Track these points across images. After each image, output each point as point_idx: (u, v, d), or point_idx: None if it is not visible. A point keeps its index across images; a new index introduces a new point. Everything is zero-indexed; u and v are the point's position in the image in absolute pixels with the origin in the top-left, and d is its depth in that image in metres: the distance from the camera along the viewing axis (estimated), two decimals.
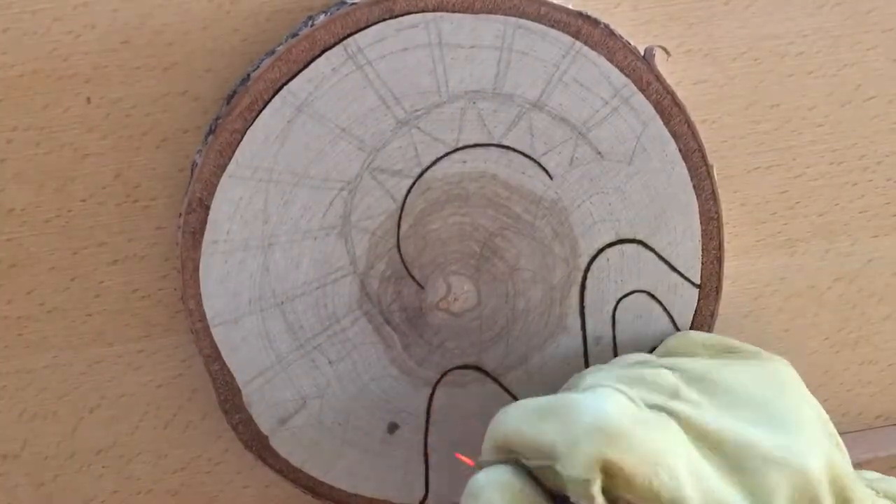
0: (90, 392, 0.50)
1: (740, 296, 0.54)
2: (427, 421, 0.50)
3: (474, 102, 0.47)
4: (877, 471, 0.53)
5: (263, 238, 0.47)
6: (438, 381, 0.50)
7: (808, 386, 0.55)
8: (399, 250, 0.49)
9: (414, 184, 0.48)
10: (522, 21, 0.46)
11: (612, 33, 0.47)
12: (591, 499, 0.39)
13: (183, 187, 0.48)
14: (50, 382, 0.50)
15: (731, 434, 0.42)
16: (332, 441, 0.50)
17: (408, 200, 0.48)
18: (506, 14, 0.46)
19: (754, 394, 0.44)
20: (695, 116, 0.51)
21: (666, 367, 0.45)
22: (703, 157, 0.49)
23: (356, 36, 0.46)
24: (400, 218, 0.48)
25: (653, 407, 0.43)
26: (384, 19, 0.45)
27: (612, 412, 0.40)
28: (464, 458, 0.49)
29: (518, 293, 0.50)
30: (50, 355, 0.50)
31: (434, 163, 0.48)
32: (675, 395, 0.43)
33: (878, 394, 0.57)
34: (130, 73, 0.47)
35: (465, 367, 0.50)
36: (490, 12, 0.46)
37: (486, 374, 0.50)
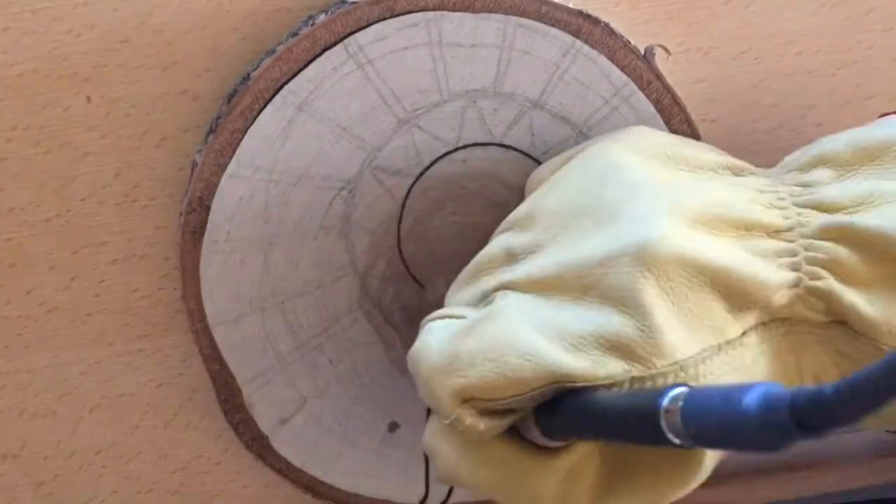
0: (90, 392, 0.50)
1: None
2: (428, 420, 0.50)
3: (475, 101, 0.47)
4: (877, 470, 0.53)
5: (264, 238, 0.47)
6: None
7: None
8: (399, 250, 0.49)
9: (414, 183, 0.48)
10: (523, 20, 0.46)
11: (612, 32, 0.47)
12: (473, 429, 0.37)
13: (183, 187, 0.48)
14: (50, 382, 0.50)
15: (564, 263, 0.38)
16: (332, 441, 0.50)
17: (408, 200, 0.48)
18: (506, 13, 0.46)
19: (586, 199, 0.40)
20: (694, 115, 0.51)
21: (500, 233, 0.43)
22: None
23: (357, 35, 0.46)
24: (400, 217, 0.48)
25: (485, 297, 0.40)
26: (384, 18, 0.45)
27: (435, 344, 0.39)
28: None
29: None
30: (50, 355, 0.50)
31: (434, 162, 0.48)
32: (509, 258, 0.41)
33: None
34: (130, 72, 0.47)
35: None
36: (490, 11, 0.46)
37: None
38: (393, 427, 0.50)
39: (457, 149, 0.48)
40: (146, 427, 0.51)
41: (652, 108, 0.48)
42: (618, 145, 0.42)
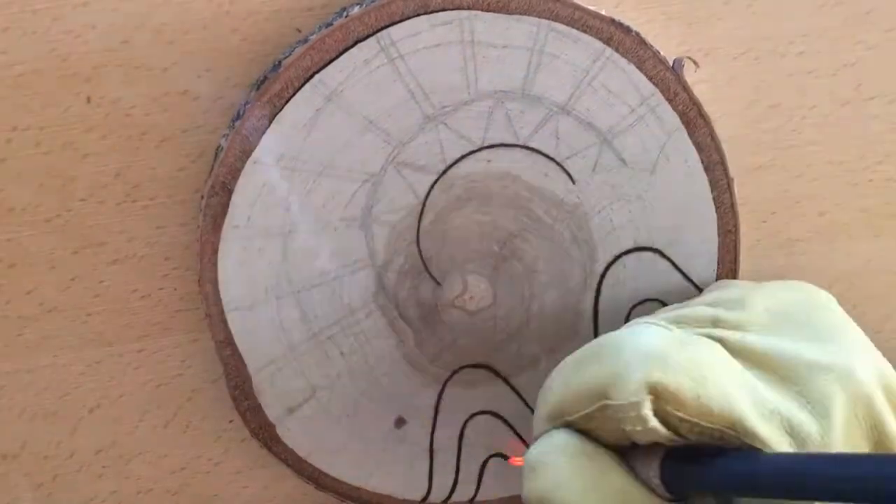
0: (90, 392, 0.50)
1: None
2: (435, 418, 0.50)
3: (502, 102, 0.47)
4: None
5: (284, 226, 0.47)
6: (449, 379, 0.50)
7: None
8: (418, 246, 0.49)
9: (437, 180, 0.48)
10: (555, 24, 0.46)
11: (643, 42, 0.47)
12: (644, 421, 0.38)
13: (183, 187, 0.48)
14: (50, 382, 0.50)
15: (775, 349, 0.41)
16: (338, 433, 0.50)
17: (430, 196, 0.48)
18: (539, 16, 0.46)
19: (794, 311, 0.44)
20: None
21: (703, 305, 0.45)
22: (725, 170, 0.49)
23: (390, 29, 0.46)
24: (421, 213, 0.48)
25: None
26: (419, 14, 0.46)
27: (652, 338, 0.40)
28: (516, 461, 0.49)
29: (534, 295, 0.50)
30: (50, 355, 0.50)
31: (459, 160, 0.48)
32: (715, 323, 0.43)
33: None
34: (130, 72, 0.47)
35: (477, 366, 0.50)
36: (524, 13, 0.46)
37: (497, 374, 0.50)
38: (399, 423, 0.50)
39: (481, 148, 0.48)
40: (146, 427, 0.51)
41: (677, 120, 0.48)
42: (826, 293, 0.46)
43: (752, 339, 0.42)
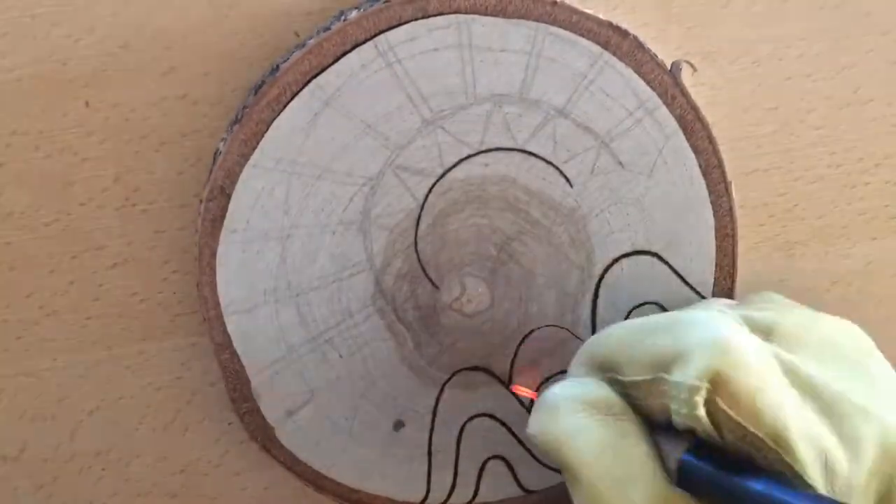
0: (89, 395, 0.50)
1: (739, 298, 0.54)
2: (433, 420, 0.51)
3: (500, 106, 0.47)
4: None
5: (283, 230, 0.47)
6: (447, 382, 0.50)
7: None
8: (416, 249, 0.49)
9: (435, 184, 0.48)
10: (553, 28, 0.46)
11: (640, 45, 0.47)
12: (693, 406, 0.38)
13: (182, 190, 0.48)
14: (49, 385, 0.50)
15: (822, 380, 0.41)
16: (337, 436, 0.50)
17: (428, 199, 0.48)
18: (537, 20, 0.46)
19: (845, 351, 0.43)
20: None
21: (760, 311, 0.45)
22: (723, 173, 0.49)
23: (388, 33, 0.46)
24: (419, 217, 0.48)
25: None
26: (416, 18, 0.46)
27: (727, 328, 0.40)
28: (523, 391, 0.48)
29: (531, 298, 0.50)
30: (49, 358, 0.50)
31: (456, 164, 0.48)
32: (769, 335, 0.42)
33: None
34: (129, 76, 0.47)
35: (475, 368, 0.50)
36: (522, 17, 0.46)
37: (495, 376, 0.50)
38: (398, 426, 0.50)
39: (479, 152, 0.48)
40: (145, 430, 0.51)
41: (675, 123, 0.48)
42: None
43: (803, 363, 0.41)
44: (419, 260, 0.49)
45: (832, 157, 0.53)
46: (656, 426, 0.41)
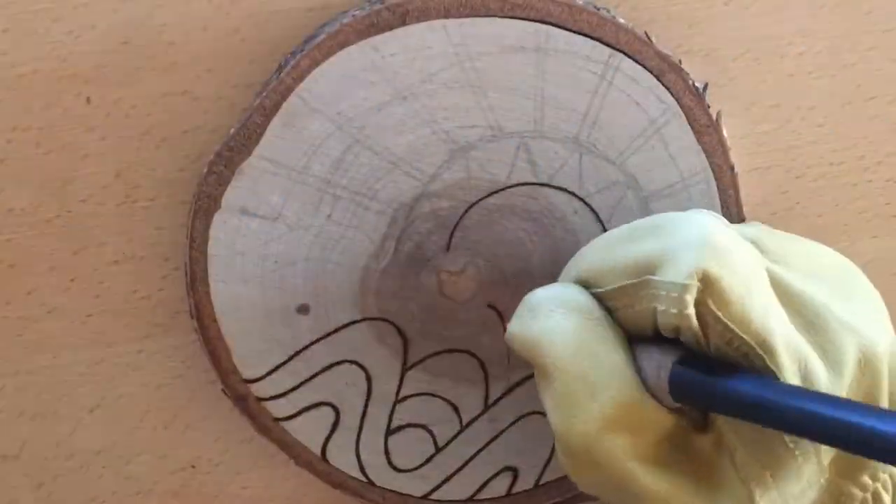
0: (90, 392, 0.50)
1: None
2: (329, 335, 0.49)
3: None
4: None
5: (409, 89, 0.46)
6: (370, 319, 0.49)
7: None
8: (468, 210, 0.48)
9: (533, 184, 0.47)
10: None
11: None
12: (683, 305, 0.37)
13: (183, 187, 0.48)
14: (49, 383, 0.50)
15: (808, 294, 0.40)
16: (254, 267, 0.47)
17: (515, 188, 0.47)
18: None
19: (829, 270, 0.43)
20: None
21: (746, 227, 0.44)
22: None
23: (621, 58, 0.46)
24: (495, 192, 0.47)
25: None
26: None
27: (717, 229, 0.39)
28: None
29: (493, 329, 0.49)
30: (49, 356, 0.50)
31: (559, 188, 0.47)
32: (756, 245, 0.42)
33: None
34: (130, 73, 0.47)
35: (400, 332, 0.49)
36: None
37: (405, 353, 0.49)
38: (302, 310, 0.48)
39: (579, 198, 0.48)
40: (146, 428, 0.51)
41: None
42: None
43: (789, 276, 0.40)
44: (461, 218, 0.48)
45: (833, 155, 0.53)
46: (634, 339, 0.40)
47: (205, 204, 0.47)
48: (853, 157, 0.53)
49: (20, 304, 0.49)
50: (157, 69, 0.47)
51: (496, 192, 0.47)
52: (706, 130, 0.48)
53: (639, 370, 0.39)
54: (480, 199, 0.48)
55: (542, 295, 0.40)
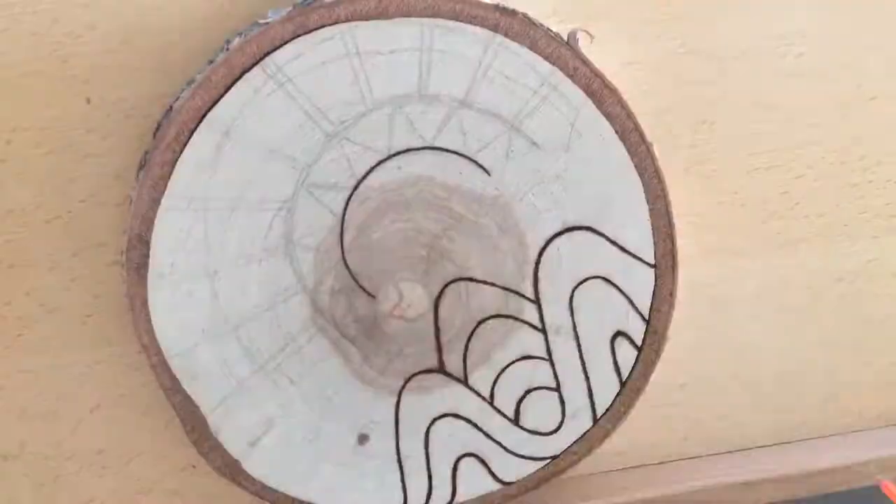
0: (90, 392, 0.50)
1: (741, 296, 0.54)
2: (397, 428, 0.50)
3: (401, 107, 0.47)
4: (876, 471, 0.53)
5: (208, 267, 0.47)
6: (403, 388, 0.50)
7: (807, 385, 0.55)
8: (345, 263, 0.48)
9: (351, 195, 0.48)
10: (439, 21, 0.46)
11: (531, 23, 0.46)
12: None
13: None
14: (50, 383, 0.50)
15: None
16: (304, 458, 0.50)
17: (347, 212, 0.48)
18: (421, 15, 0.46)
19: None
20: (694, 117, 0.51)
21: None
22: (642, 136, 0.48)
23: (273, 55, 0.45)
24: (342, 231, 0.48)
25: None
26: (299, 35, 0.45)
27: None
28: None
29: (471, 292, 0.49)
30: (50, 356, 0.50)
31: (368, 172, 0.47)
32: None
33: (878, 394, 0.57)
34: (130, 73, 0.47)
35: (428, 371, 0.50)
36: (405, 15, 0.46)
37: (450, 375, 0.50)
38: (363, 440, 0.50)
39: (389, 157, 0.47)
40: (146, 428, 0.51)
41: (582, 94, 0.48)
42: None
43: None
44: (350, 273, 0.48)
45: (833, 156, 0.53)
46: None
47: (228, 469, 0.49)
48: (853, 157, 0.53)
49: (20, 303, 0.49)
50: (156, 70, 0.47)
51: (342, 232, 0.48)
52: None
53: None
54: (343, 250, 0.48)
55: None
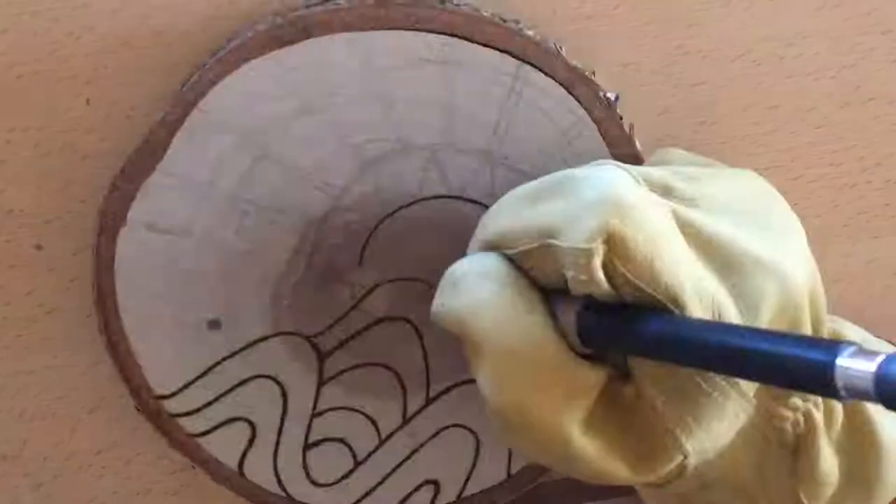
0: (89, 393, 0.50)
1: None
2: (241, 350, 0.48)
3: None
4: None
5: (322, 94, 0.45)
6: (283, 334, 0.48)
7: None
8: (380, 223, 0.47)
9: (446, 197, 0.47)
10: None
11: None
12: (590, 271, 0.37)
13: None
14: (49, 383, 0.50)
15: (723, 235, 0.39)
16: (162, 283, 0.47)
17: (427, 202, 0.47)
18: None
19: (745, 202, 0.42)
20: (694, 118, 0.51)
21: (657, 168, 0.43)
22: None
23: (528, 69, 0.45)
24: (407, 206, 0.47)
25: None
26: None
27: (620, 185, 0.38)
28: None
29: (408, 342, 0.49)
30: (49, 356, 0.50)
31: (472, 200, 0.47)
32: (667, 192, 0.40)
33: None
34: (130, 74, 0.47)
35: (314, 346, 0.48)
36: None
37: (320, 368, 0.49)
38: (213, 325, 0.48)
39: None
40: (146, 428, 0.51)
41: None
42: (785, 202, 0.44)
43: (701, 219, 0.39)
44: (372, 232, 0.47)
45: (833, 156, 0.53)
46: (551, 290, 0.39)
47: (110, 221, 0.46)
48: (852, 158, 0.53)
49: (20, 304, 0.49)
50: (156, 70, 0.47)
51: (407, 205, 0.47)
52: (618, 142, 0.46)
53: (559, 320, 0.39)
54: (391, 213, 0.47)
55: (461, 268, 0.40)
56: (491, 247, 0.40)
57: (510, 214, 0.40)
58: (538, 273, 0.39)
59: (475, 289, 0.39)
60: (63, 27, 0.46)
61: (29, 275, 0.49)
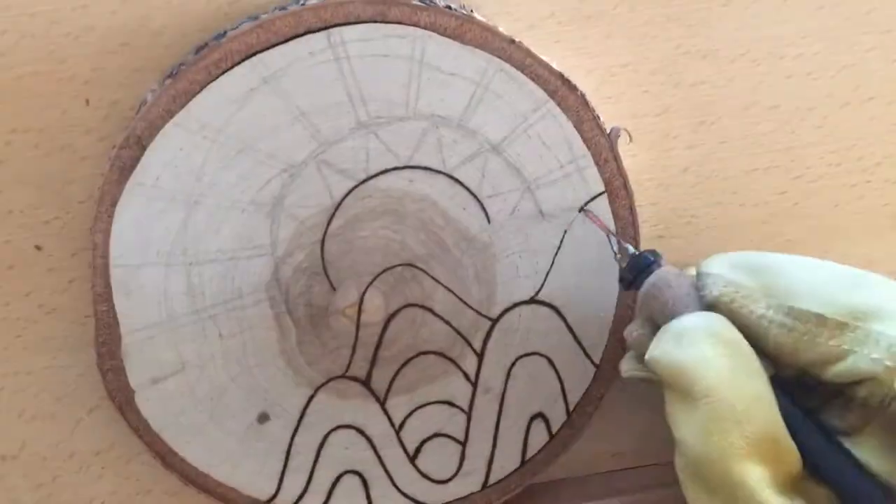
0: (89, 393, 0.50)
1: None
2: (299, 421, 0.50)
3: (437, 127, 0.47)
4: None
5: (191, 195, 0.46)
6: (322, 386, 0.49)
7: None
8: (322, 246, 0.48)
9: (355, 187, 0.47)
10: (506, 65, 0.46)
11: (585, 103, 0.47)
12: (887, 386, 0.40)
13: None
14: (49, 384, 0.50)
15: None
16: (198, 415, 0.49)
17: (345, 201, 0.48)
18: (492, 53, 0.46)
19: None
20: (693, 118, 0.51)
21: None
22: (637, 246, 0.49)
23: (343, 28, 0.45)
24: (332, 215, 0.48)
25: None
26: (375, 21, 0.45)
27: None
28: (596, 220, 0.48)
29: (425, 322, 0.49)
30: (49, 357, 0.50)
31: (381, 172, 0.47)
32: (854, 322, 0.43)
33: None
34: (129, 74, 0.47)
35: (353, 378, 0.50)
36: (478, 46, 0.46)
37: (371, 391, 0.50)
38: (263, 418, 0.49)
39: (406, 167, 0.47)
40: None
41: (601, 187, 0.48)
42: None
43: None
44: (322, 258, 0.48)
45: (832, 156, 0.53)
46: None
47: (121, 395, 0.48)
48: (852, 157, 0.53)
49: (19, 304, 0.49)
50: (155, 71, 0.47)
51: (330, 220, 0.48)
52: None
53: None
54: (324, 234, 0.48)
55: (688, 323, 0.42)
56: (762, 284, 0.43)
57: (809, 273, 0.43)
58: (784, 339, 0.42)
59: (702, 344, 0.41)
60: (62, 28, 0.46)
61: (28, 275, 0.49)
